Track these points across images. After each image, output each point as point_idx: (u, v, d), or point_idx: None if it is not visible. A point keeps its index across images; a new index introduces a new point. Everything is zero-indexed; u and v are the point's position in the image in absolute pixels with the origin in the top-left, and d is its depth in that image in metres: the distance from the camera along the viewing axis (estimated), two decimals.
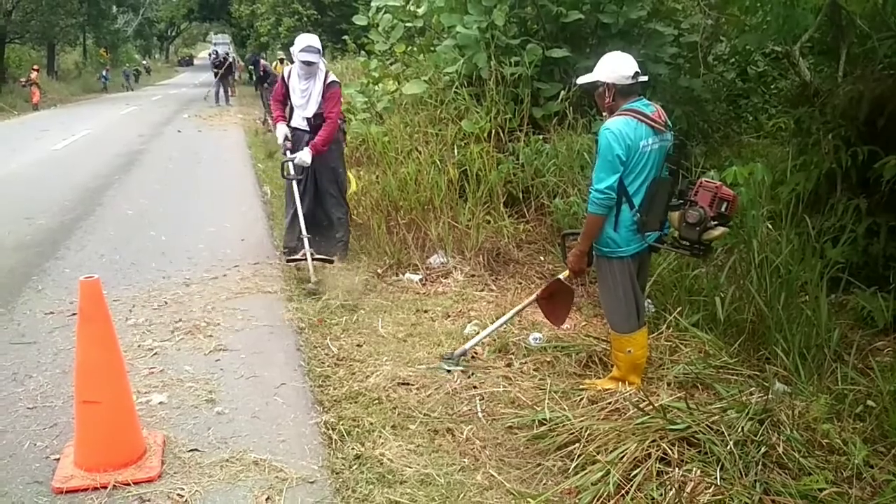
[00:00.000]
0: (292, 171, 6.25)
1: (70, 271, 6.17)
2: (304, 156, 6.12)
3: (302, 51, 6.07)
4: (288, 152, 6.31)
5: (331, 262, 6.05)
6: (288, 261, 6.14)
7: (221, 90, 24.62)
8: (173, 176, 11.37)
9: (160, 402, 3.91)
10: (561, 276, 4.29)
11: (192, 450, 3.44)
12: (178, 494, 3.08)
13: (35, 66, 28.28)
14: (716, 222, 3.68)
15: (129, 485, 3.12)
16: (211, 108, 23.17)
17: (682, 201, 3.78)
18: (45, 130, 17.51)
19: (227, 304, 5.43)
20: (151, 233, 7.59)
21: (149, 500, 3.05)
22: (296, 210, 6.25)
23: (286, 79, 6.40)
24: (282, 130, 6.42)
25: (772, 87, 9.42)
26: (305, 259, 5.85)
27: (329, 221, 6.52)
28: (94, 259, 6.63)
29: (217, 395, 4.01)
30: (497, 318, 4.65)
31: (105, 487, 3.09)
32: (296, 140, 6.37)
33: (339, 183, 6.53)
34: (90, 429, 3.17)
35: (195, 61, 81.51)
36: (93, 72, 41.32)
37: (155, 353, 4.56)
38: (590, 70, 3.88)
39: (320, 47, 6.25)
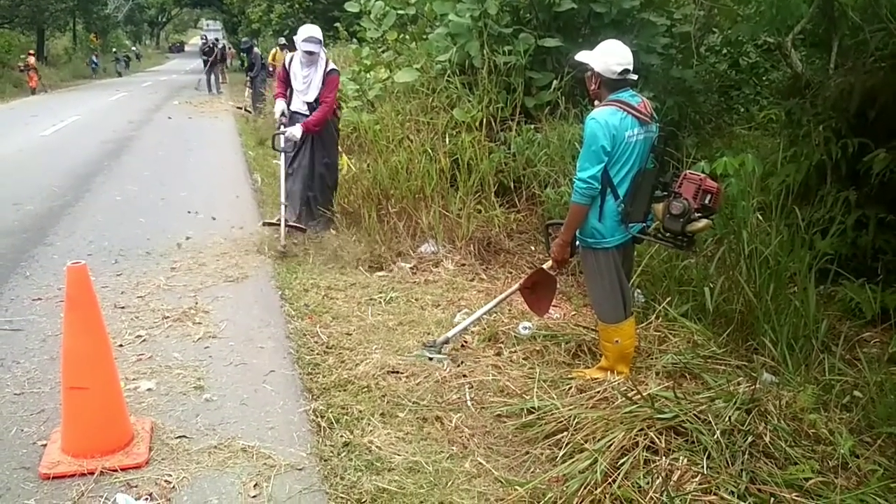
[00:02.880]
0: (283, 144, 6.77)
1: (58, 257, 6.14)
2: (295, 130, 6.57)
3: (304, 41, 6.50)
4: (282, 126, 6.76)
5: (303, 230, 6.59)
6: (263, 224, 6.79)
7: (213, 78, 24.45)
8: (163, 163, 11.30)
9: (148, 389, 3.89)
10: (544, 266, 4.29)
11: (180, 436, 3.43)
12: (166, 481, 3.08)
13: (31, 52, 28.47)
14: (699, 214, 3.68)
15: (116, 471, 3.11)
16: (202, 96, 23.04)
17: (666, 193, 3.78)
18: (34, 116, 17.38)
19: (217, 292, 5.41)
20: (140, 219, 7.55)
21: (136, 486, 3.04)
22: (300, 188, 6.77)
23: (287, 65, 6.82)
24: (280, 106, 6.85)
25: (763, 78, 9.42)
26: (279, 224, 6.44)
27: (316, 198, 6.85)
28: (82, 245, 6.59)
29: (206, 382, 4.00)
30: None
31: (92, 473, 3.09)
32: (294, 123, 6.72)
33: (331, 169, 6.88)
34: (77, 415, 3.16)
35: (186, 48, 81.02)
36: (83, 57, 41.04)
37: (143, 340, 4.54)
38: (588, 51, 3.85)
39: (321, 38, 6.66)
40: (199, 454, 3.29)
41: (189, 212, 7.83)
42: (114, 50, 44.50)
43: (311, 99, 6.65)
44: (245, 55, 19.59)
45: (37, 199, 8.28)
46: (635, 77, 3.80)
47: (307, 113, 6.66)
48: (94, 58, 39.80)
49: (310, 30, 6.60)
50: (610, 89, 3.75)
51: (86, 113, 18.37)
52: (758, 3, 6.18)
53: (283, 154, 6.83)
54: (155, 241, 6.69)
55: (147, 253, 6.35)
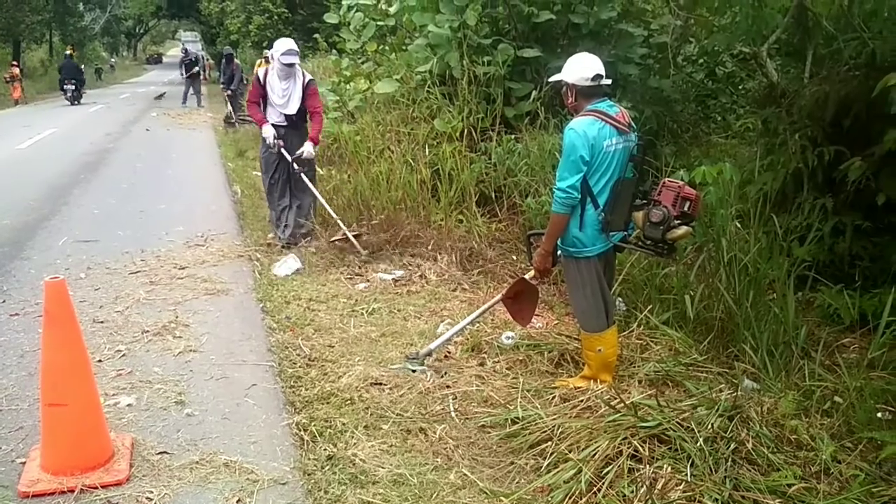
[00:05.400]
0: (296, 167, 6.70)
1: (35, 272, 6.06)
2: (309, 148, 6.65)
3: (284, 54, 6.49)
4: (283, 150, 6.69)
5: (359, 236, 6.54)
6: (331, 241, 6.57)
7: (191, 90, 24.26)
8: (141, 175, 11.20)
9: (128, 405, 3.85)
10: (526, 276, 4.30)
11: (161, 452, 3.40)
12: (147, 498, 3.04)
13: (14, 62, 28.47)
14: (679, 221, 3.72)
15: (96, 488, 3.07)
16: (181, 108, 22.92)
17: (645, 201, 3.82)
18: (9, 129, 17.17)
19: (197, 305, 5.37)
20: (119, 232, 7.48)
21: None
22: (289, 204, 6.84)
23: (261, 80, 6.70)
24: (270, 131, 6.70)
25: (740, 87, 9.52)
26: (345, 238, 6.45)
27: (299, 207, 6.89)
28: (60, 259, 6.52)
29: (187, 396, 3.96)
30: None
31: (72, 491, 3.04)
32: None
33: (310, 180, 6.84)
34: (57, 432, 3.12)
35: (164, 59, 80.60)
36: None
37: (123, 355, 4.49)
38: (560, 70, 3.91)
39: (298, 50, 6.73)
40: (181, 470, 3.25)
41: (179, 229, 7.76)
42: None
43: (291, 111, 6.67)
44: (225, 65, 18.30)
45: (13, 213, 8.17)
46: (609, 81, 3.84)
47: (285, 124, 6.69)
48: (80, 68, 39.60)
49: (287, 43, 6.62)
50: (587, 97, 3.79)
51: (63, 125, 18.17)
52: (733, 14, 6.26)
53: (303, 175, 6.73)
54: (134, 255, 6.63)
55: (126, 266, 6.29)
